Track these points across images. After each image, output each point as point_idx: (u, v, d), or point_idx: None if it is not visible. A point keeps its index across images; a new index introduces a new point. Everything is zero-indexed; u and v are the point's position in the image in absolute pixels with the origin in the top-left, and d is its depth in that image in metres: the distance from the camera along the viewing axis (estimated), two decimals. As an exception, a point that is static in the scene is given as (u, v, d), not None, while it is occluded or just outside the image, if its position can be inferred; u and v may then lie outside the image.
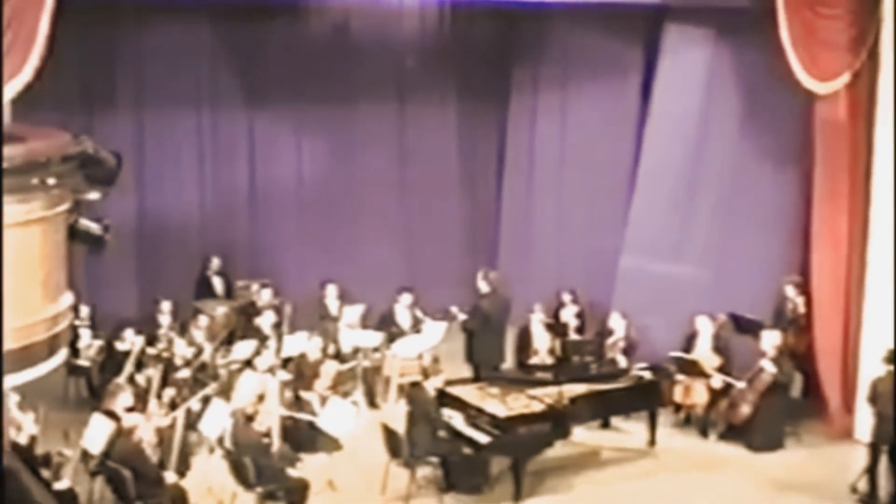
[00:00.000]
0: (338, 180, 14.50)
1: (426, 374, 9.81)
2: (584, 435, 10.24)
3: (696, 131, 12.27)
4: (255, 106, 14.12)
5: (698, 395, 10.74)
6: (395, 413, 10.32)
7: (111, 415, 8.51)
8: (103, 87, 13.32)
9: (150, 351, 10.85)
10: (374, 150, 14.58)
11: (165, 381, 10.02)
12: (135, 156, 13.04)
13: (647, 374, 10.44)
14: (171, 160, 13.82)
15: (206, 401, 9.60)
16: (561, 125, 14.19)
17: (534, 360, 11.64)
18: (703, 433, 10.74)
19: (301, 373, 10.74)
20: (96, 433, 8.41)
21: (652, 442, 10.35)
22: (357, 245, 14.53)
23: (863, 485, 9.38)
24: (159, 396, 9.51)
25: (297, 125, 14.29)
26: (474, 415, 9.40)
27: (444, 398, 9.65)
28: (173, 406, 9.55)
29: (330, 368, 10.56)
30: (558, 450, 9.55)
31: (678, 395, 10.85)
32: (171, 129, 13.72)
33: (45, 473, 8.07)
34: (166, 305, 11.98)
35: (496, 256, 14.79)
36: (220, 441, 9.06)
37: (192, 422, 9.36)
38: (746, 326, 10.92)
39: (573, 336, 11.93)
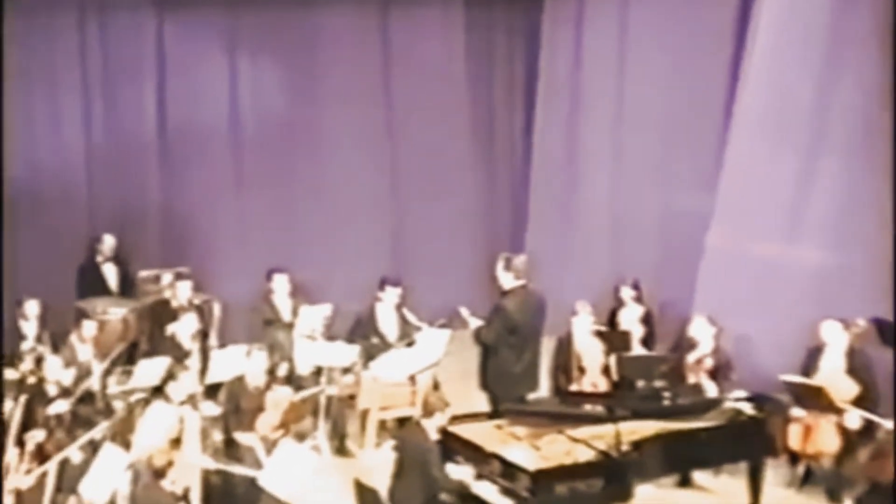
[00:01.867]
0: (291, 119, 14.75)
1: (424, 406, 9.72)
2: (653, 496, 10.16)
3: (822, 50, 12.16)
4: (167, 6, 14.15)
5: (825, 440, 10.67)
6: (375, 463, 10.41)
7: (-55, 470, 8.57)
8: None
9: (9, 374, 10.77)
10: (345, 74, 14.81)
11: (30, 420, 9.89)
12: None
13: (748, 408, 10.20)
14: (39, 88, 13.89)
15: (92, 448, 9.56)
16: (619, 38, 14.28)
17: (580, 385, 11.67)
18: (833, 496, 10.68)
19: (237, 405, 10.76)
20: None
21: (755, 508, 10.47)
22: (320, 216, 14.82)
23: None
24: (21, 443, 9.42)
25: (231, 36, 14.49)
26: (492, 466, 9.30)
27: (447, 442, 9.57)
28: (42, 456, 9.45)
29: (280, 398, 10.65)
30: (615, 519, 9.37)
31: (795, 438, 10.78)
32: (39, 40, 13.74)
33: None
34: (32, 307, 12.01)
35: (523, 234, 15.07)
36: (113, 508, 9.01)
37: (70, 480, 9.26)
38: (899, 337, 10.96)
39: (637, 350, 12.03)
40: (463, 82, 15.51)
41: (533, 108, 15.15)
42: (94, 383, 10.82)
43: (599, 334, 11.84)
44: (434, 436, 9.42)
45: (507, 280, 11.20)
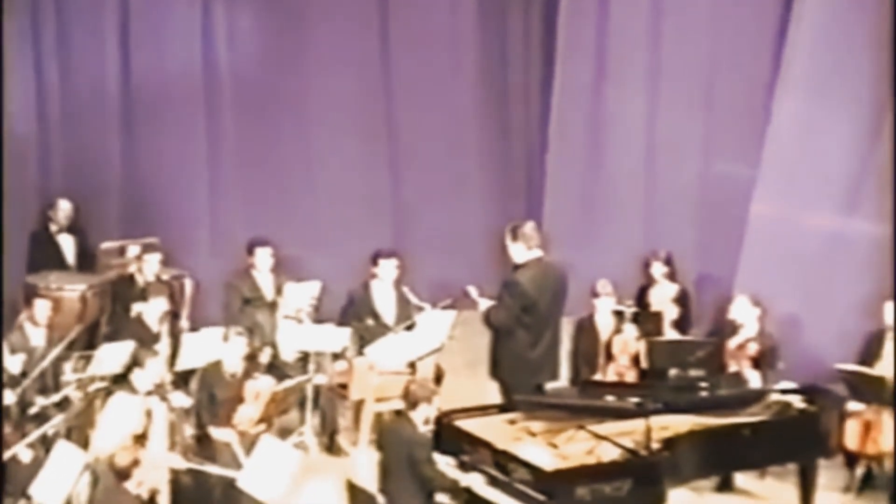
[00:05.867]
0: (276, 69, 14.73)
1: (405, 395, 9.54)
2: (689, 502, 10.21)
3: (879, 9, 12.10)
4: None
5: (888, 438, 10.60)
6: (370, 462, 10.15)
7: None
8: None
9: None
10: (337, 23, 14.88)
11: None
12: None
13: (798, 401, 10.10)
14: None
15: (44, 445, 9.60)
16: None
17: (604, 374, 11.73)
18: (897, 503, 10.62)
19: (211, 396, 10.79)
20: None
21: (807, 514, 10.33)
22: (306, 182, 14.93)
23: None
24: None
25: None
26: (502, 466, 9.24)
27: (449, 437, 9.61)
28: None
29: (261, 388, 10.66)
30: (645, 526, 9.34)
31: (852, 436, 10.73)
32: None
33: None
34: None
35: (540, 199, 15.00)
36: (69, 514, 9.01)
37: (18, 482, 9.24)
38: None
39: (670, 334, 12.05)
40: (471, 33, 15.46)
41: (552, 57, 15.00)
42: (44, 369, 10.75)
43: (620, 314, 11.82)
44: (422, 429, 9.36)
45: (518, 252, 11.07)
